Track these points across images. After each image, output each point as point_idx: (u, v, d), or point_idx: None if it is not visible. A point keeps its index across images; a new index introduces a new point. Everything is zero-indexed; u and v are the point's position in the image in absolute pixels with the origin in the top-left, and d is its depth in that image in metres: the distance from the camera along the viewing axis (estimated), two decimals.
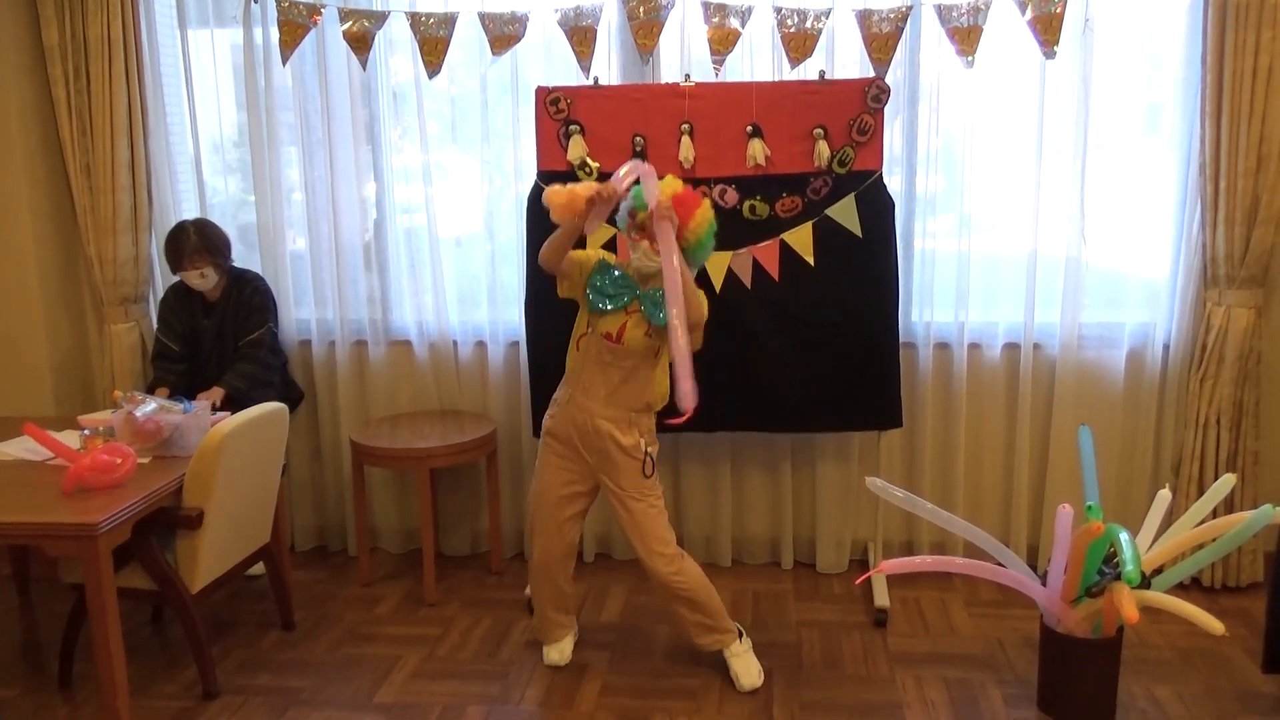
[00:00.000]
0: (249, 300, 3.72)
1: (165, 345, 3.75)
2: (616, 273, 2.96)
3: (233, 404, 3.48)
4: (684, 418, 2.67)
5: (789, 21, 3.43)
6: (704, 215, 2.87)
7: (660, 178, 2.85)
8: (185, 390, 3.60)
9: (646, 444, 3.00)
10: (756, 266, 3.45)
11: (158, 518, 2.85)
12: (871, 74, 3.42)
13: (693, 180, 3.40)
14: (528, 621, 3.52)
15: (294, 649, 3.37)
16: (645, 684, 3.10)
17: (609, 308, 2.91)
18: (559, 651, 3.23)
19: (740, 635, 3.13)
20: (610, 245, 3.42)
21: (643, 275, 2.93)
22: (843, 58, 3.56)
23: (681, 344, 2.65)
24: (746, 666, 3.08)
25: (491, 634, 3.45)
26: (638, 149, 3.43)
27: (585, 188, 2.78)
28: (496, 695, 3.05)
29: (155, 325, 3.84)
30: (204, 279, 3.65)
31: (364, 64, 3.67)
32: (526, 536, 3.97)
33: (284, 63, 3.70)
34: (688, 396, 2.64)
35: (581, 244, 3.06)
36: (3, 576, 3.95)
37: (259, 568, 3.56)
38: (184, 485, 2.91)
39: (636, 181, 2.82)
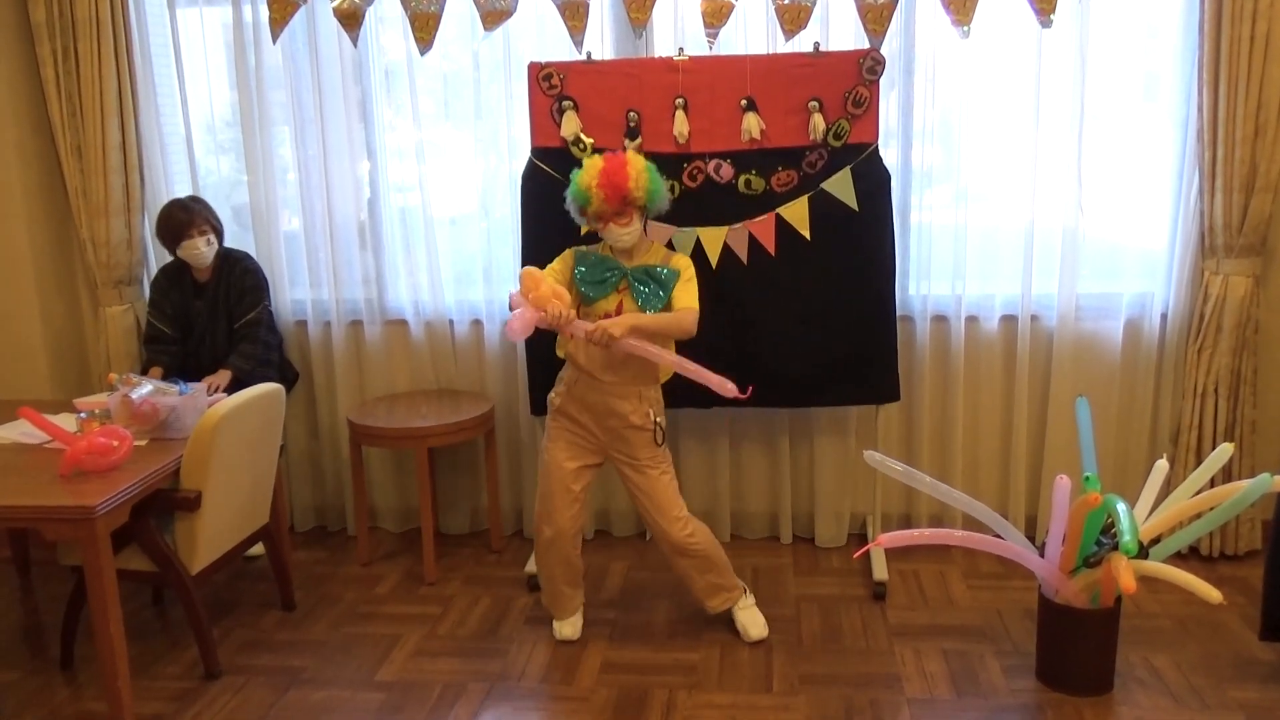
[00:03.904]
0: (240, 280, 3.71)
1: (157, 328, 3.74)
2: (595, 257, 3.02)
3: (239, 386, 3.47)
4: (744, 394, 2.79)
5: None
6: (637, 175, 2.87)
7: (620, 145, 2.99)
8: (179, 372, 3.60)
9: (655, 414, 3.07)
10: (752, 241, 3.43)
11: (156, 500, 2.85)
12: (866, 45, 3.39)
13: (687, 155, 3.39)
14: (528, 599, 3.53)
15: (295, 629, 3.38)
16: (645, 659, 3.11)
17: (602, 294, 2.97)
18: (571, 626, 3.24)
19: (745, 590, 3.26)
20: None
21: (621, 250, 2.99)
22: (837, 29, 3.53)
23: (691, 371, 2.82)
24: (753, 619, 3.21)
25: (491, 612, 3.45)
26: (631, 124, 3.40)
27: (547, 300, 2.81)
28: (497, 672, 3.06)
29: (147, 308, 3.83)
30: (210, 246, 3.65)
31: (355, 41, 3.64)
32: (533, 515, 3.96)
33: (274, 40, 3.68)
34: (725, 385, 2.78)
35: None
36: (3, 559, 3.96)
37: (258, 548, 3.56)
38: (181, 467, 2.90)
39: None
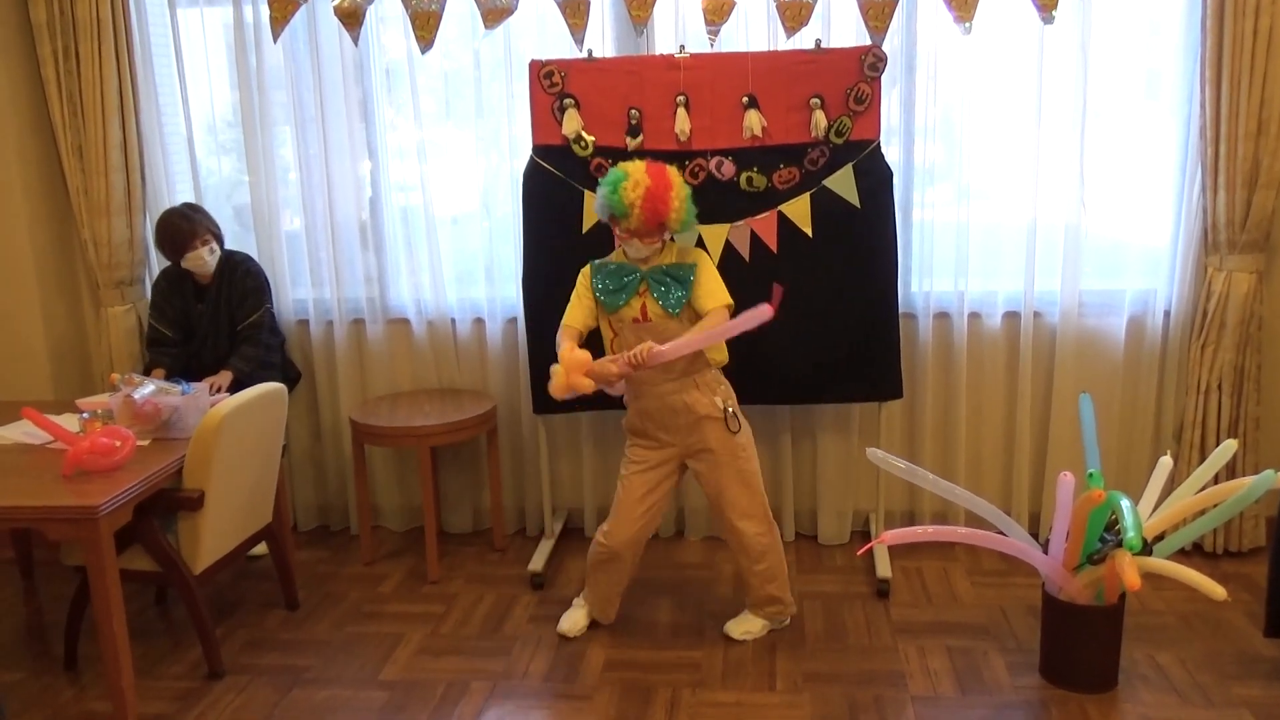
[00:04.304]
0: (242, 282, 3.71)
1: (159, 331, 3.74)
2: (612, 266, 3.02)
3: (240, 387, 3.47)
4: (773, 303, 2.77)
5: None
6: (679, 205, 2.88)
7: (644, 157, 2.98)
8: (182, 374, 3.59)
9: (723, 400, 3.04)
10: (754, 239, 3.43)
11: (159, 499, 2.85)
12: (868, 42, 3.39)
13: (689, 153, 3.39)
14: (531, 597, 3.53)
15: (298, 628, 3.38)
16: (649, 657, 3.11)
17: (624, 300, 2.97)
18: (576, 624, 3.24)
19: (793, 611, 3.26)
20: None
21: (637, 259, 2.99)
22: (839, 26, 3.52)
23: (734, 330, 2.83)
24: (753, 625, 3.19)
25: (495, 610, 3.45)
26: (633, 122, 3.40)
27: (581, 383, 2.84)
28: (501, 671, 3.06)
29: (148, 311, 3.84)
30: (213, 254, 3.65)
31: (355, 40, 3.63)
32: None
33: (275, 40, 3.68)
34: (760, 313, 2.74)
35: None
36: (6, 560, 3.96)
37: (261, 548, 3.56)
38: (184, 466, 2.90)
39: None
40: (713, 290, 2.97)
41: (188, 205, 3.70)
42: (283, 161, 3.95)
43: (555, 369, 2.87)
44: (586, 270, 3.06)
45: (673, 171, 2.91)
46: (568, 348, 2.88)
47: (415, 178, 3.85)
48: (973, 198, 3.61)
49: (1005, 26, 3.49)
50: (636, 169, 2.87)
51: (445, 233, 3.92)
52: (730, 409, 3.04)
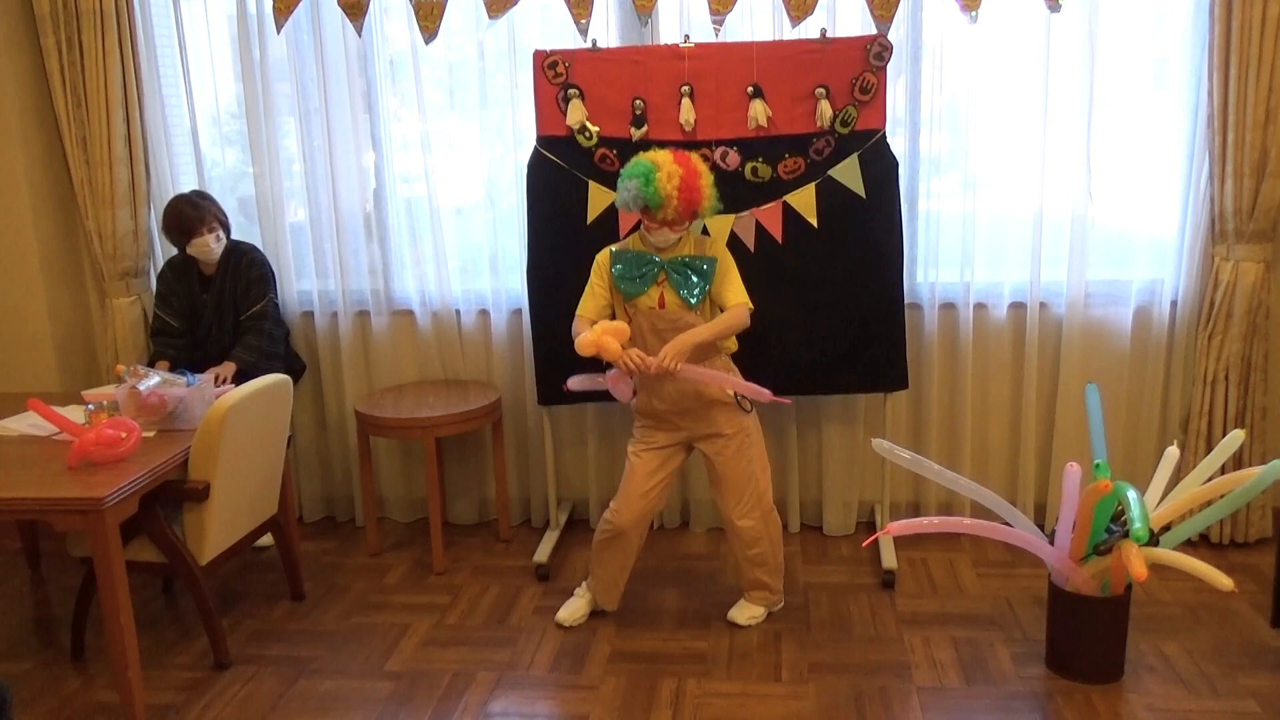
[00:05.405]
0: (247, 273, 3.71)
1: (164, 321, 3.74)
2: (631, 253, 3.02)
3: (244, 378, 3.47)
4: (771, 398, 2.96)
5: None
6: (708, 192, 2.92)
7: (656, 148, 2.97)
8: (186, 364, 3.60)
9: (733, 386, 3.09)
10: (759, 229, 3.42)
11: (164, 491, 2.86)
12: (873, 32, 3.37)
13: (693, 143, 3.38)
14: (536, 588, 3.53)
15: (304, 619, 3.39)
16: (654, 648, 3.11)
17: (642, 289, 2.99)
18: (575, 613, 3.26)
19: (782, 600, 3.30)
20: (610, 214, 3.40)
21: (657, 248, 3.00)
22: (844, 16, 3.51)
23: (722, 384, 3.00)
24: (753, 613, 3.22)
25: (500, 601, 3.46)
26: (637, 112, 3.39)
27: (610, 345, 2.90)
28: (506, 661, 3.07)
29: (154, 301, 3.84)
30: (219, 242, 3.65)
31: (359, 30, 3.63)
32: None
33: (278, 30, 3.67)
34: (762, 392, 2.94)
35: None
36: (13, 551, 3.98)
37: (267, 539, 3.57)
38: (189, 458, 2.91)
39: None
40: (737, 289, 3.00)
41: (196, 192, 3.70)
42: (287, 153, 3.95)
43: (594, 327, 2.92)
44: (602, 258, 3.06)
45: (696, 158, 2.93)
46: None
47: (419, 169, 3.85)
48: (978, 188, 3.60)
49: (1011, 15, 3.47)
50: (665, 159, 2.86)
51: (450, 224, 3.92)
52: (739, 392, 3.07)
